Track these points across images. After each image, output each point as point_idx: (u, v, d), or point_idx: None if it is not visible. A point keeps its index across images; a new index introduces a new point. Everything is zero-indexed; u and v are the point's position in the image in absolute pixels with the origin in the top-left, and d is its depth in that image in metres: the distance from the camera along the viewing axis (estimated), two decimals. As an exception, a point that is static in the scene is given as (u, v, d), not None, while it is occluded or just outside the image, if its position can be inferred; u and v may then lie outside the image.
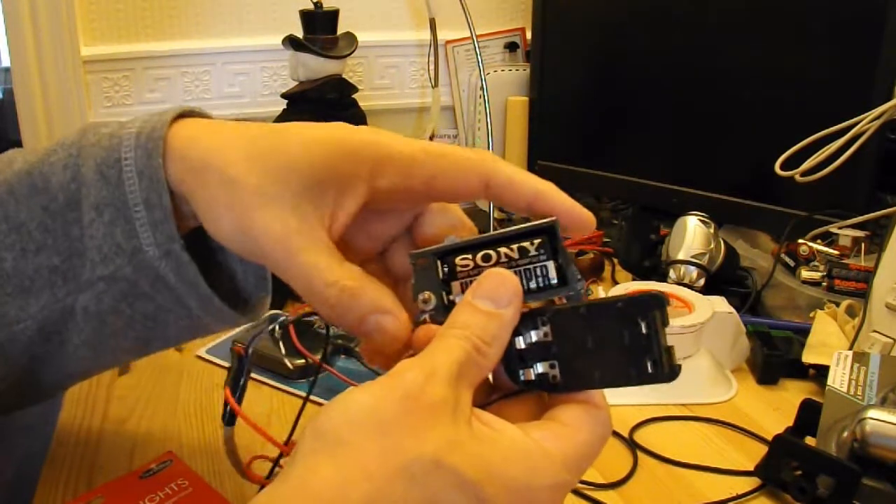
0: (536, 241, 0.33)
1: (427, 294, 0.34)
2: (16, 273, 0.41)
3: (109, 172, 0.40)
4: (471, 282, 0.33)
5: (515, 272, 0.33)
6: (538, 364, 0.32)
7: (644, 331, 0.30)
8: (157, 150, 0.39)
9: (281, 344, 0.66)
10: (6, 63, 1.09)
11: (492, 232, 0.34)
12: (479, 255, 0.34)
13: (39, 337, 0.42)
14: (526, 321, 0.33)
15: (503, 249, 0.34)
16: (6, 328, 0.42)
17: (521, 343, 0.33)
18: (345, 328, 0.35)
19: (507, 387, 0.34)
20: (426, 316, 0.34)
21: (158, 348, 0.47)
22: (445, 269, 0.34)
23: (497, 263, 0.33)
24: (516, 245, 0.34)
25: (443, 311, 0.33)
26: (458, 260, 0.34)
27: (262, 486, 0.47)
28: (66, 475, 0.51)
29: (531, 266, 0.33)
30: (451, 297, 0.34)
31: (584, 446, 0.32)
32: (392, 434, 0.28)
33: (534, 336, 0.32)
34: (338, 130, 0.37)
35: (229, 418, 0.47)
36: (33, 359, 0.44)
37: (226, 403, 0.47)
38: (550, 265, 0.33)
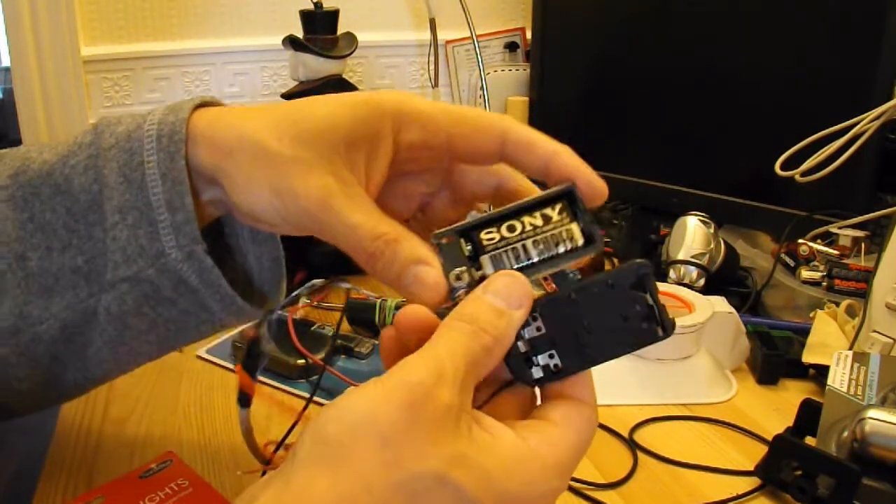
0: (558, 206, 0.34)
1: (460, 271, 0.34)
2: (41, 272, 0.42)
3: (133, 175, 0.40)
4: (500, 255, 0.34)
5: (543, 238, 0.33)
6: (539, 357, 0.33)
7: (640, 298, 0.31)
8: (180, 152, 0.39)
9: (281, 344, 0.66)
10: (6, 63, 1.09)
11: (512, 204, 0.34)
12: (504, 226, 0.34)
13: (62, 336, 0.43)
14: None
15: (527, 219, 0.34)
16: (30, 328, 0.42)
17: (523, 347, 0.33)
18: (388, 282, 0.35)
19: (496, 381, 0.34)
20: (461, 293, 0.34)
21: (178, 348, 0.47)
22: (469, 247, 0.34)
23: (523, 233, 0.34)
24: (539, 213, 0.34)
25: (476, 286, 0.33)
26: (483, 235, 0.34)
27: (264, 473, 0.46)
28: (66, 475, 0.51)
29: (557, 231, 0.34)
30: (482, 273, 0.34)
31: (575, 449, 0.32)
32: (393, 446, 0.28)
33: (527, 334, 0.33)
34: (360, 94, 0.38)
35: (242, 399, 0.46)
36: (56, 359, 0.44)
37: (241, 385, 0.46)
38: (575, 227, 0.34)
